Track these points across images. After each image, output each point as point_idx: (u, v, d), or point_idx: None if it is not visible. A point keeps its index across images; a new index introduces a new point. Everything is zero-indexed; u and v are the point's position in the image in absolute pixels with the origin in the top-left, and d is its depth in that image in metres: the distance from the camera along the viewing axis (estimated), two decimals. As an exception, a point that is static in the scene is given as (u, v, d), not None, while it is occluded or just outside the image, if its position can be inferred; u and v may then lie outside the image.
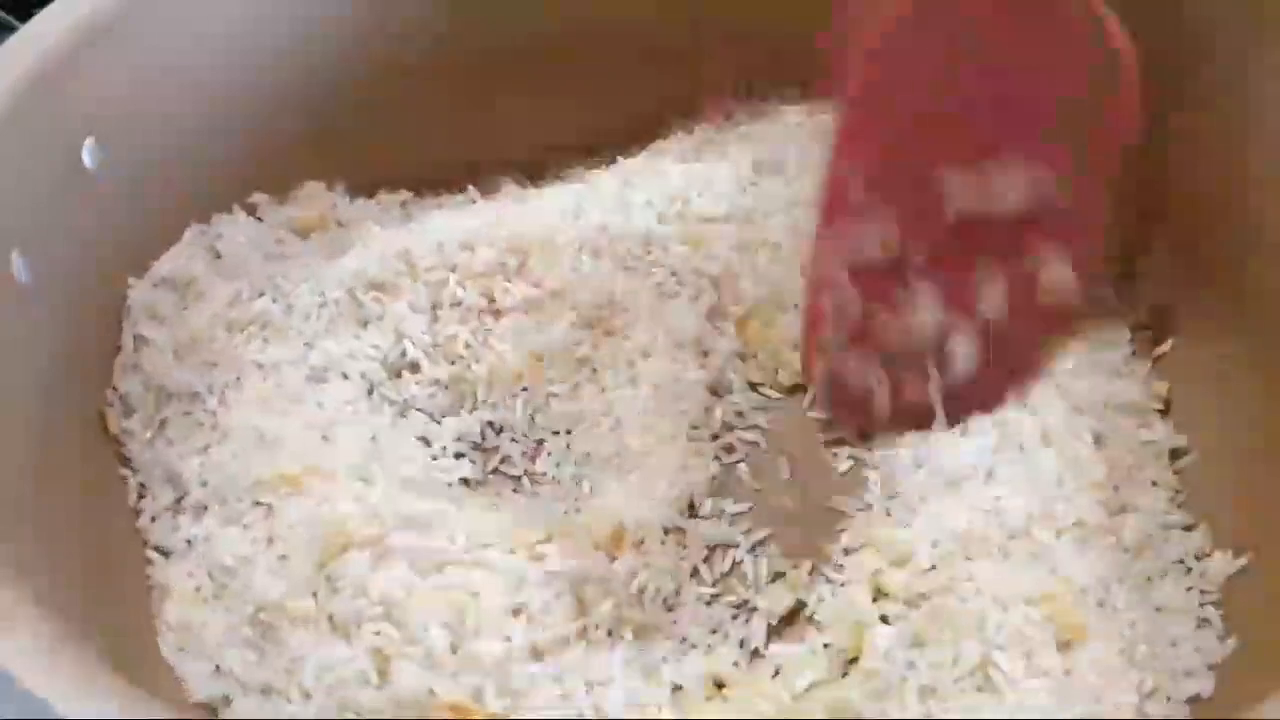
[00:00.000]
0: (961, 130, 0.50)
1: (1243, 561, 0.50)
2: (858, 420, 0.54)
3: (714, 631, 0.50)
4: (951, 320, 0.51)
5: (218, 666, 0.47)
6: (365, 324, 0.58)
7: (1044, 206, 0.49)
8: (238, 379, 0.55)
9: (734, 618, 0.51)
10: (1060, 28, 0.49)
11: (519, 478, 0.56)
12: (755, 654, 0.49)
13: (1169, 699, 0.46)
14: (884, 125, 0.51)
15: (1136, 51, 0.48)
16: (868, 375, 0.52)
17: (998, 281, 0.50)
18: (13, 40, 0.51)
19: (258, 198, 0.62)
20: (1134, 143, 0.49)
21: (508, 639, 0.46)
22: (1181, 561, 0.51)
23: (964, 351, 0.51)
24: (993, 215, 0.49)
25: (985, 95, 0.49)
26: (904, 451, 0.53)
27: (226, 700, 0.46)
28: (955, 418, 0.52)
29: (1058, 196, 0.49)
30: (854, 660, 0.48)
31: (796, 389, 0.58)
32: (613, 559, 0.50)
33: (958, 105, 0.50)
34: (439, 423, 0.57)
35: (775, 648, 0.49)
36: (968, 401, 0.51)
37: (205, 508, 0.51)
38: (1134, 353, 0.58)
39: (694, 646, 0.49)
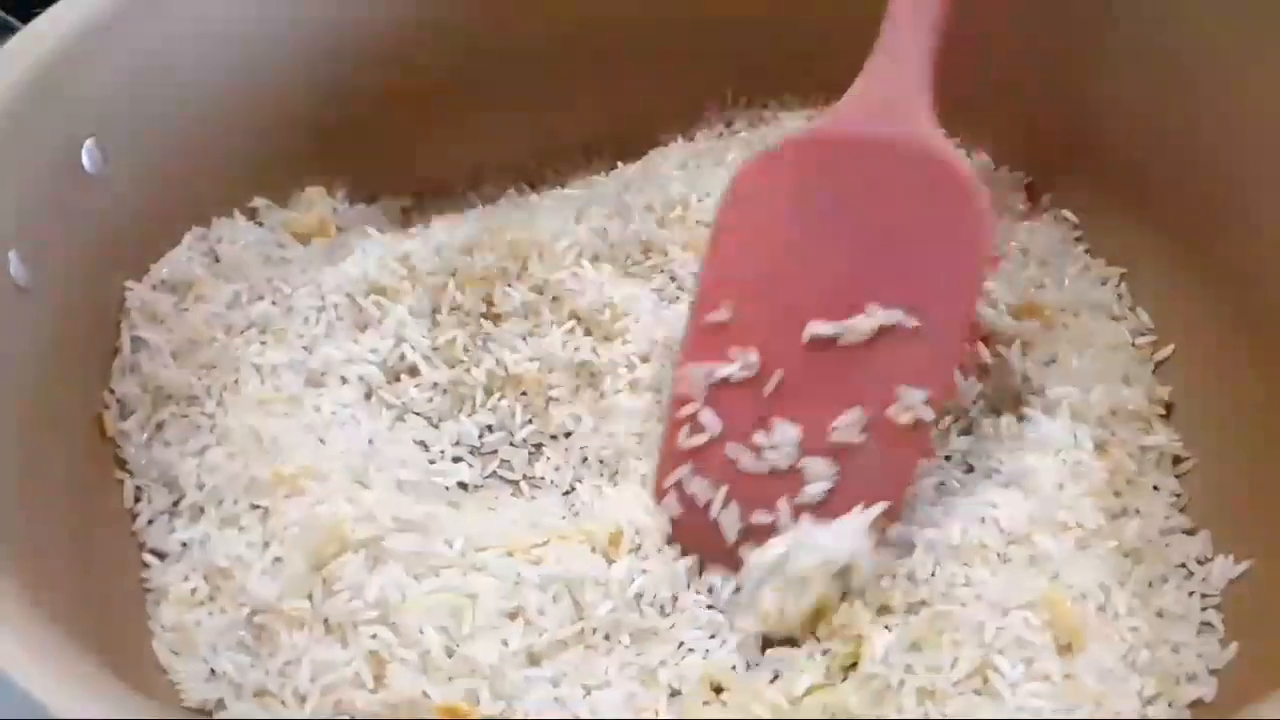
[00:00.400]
0: (822, 271, 0.51)
1: (1245, 566, 0.49)
2: (705, 545, 0.51)
3: (712, 636, 0.49)
4: (808, 443, 0.50)
5: (212, 669, 0.47)
6: (364, 328, 0.58)
7: (899, 337, 0.50)
8: (236, 381, 0.55)
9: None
10: (922, 180, 0.50)
11: (517, 482, 0.56)
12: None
13: (1170, 704, 0.45)
14: (746, 267, 0.52)
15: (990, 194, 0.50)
16: (715, 501, 0.51)
17: (854, 405, 0.50)
18: (13, 41, 0.51)
19: (258, 202, 0.62)
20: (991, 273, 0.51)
21: (504, 642, 0.46)
22: (1183, 566, 0.51)
23: (820, 474, 0.50)
24: (850, 346, 0.50)
25: (845, 240, 0.51)
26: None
27: (221, 703, 0.46)
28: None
29: (913, 330, 0.49)
30: (852, 666, 0.47)
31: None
32: (610, 563, 0.50)
33: (818, 249, 0.51)
34: (437, 426, 0.57)
35: (773, 652, 0.49)
36: (824, 519, 0.50)
37: (201, 510, 0.51)
38: (1135, 358, 0.58)
39: (691, 650, 0.49)
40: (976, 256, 0.50)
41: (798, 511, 0.50)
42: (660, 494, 0.52)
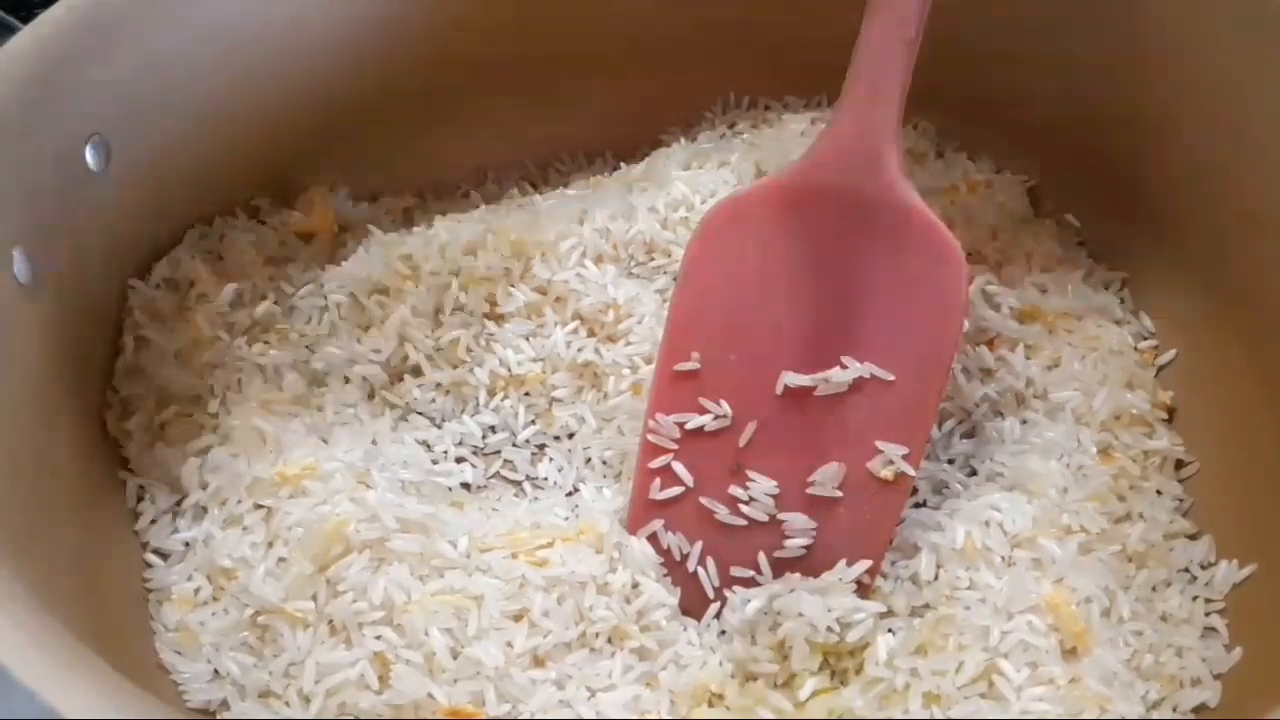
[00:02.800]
0: (799, 306, 0.50)
1: (1248, 570, 0.49)
2: (684, 591, 0.50)
3: (721, 633, 0.49)
4: (784, 496, 0.50)
5: (216, 670, 0.47)
6: (367, 328, 0.58)
7: (875, 391, 0.49)
8: (239, 381, 0.55)
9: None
10: (896, 233, 0.50)
11: (520, 482, 0.56)
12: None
13: (1175, 708, 0.46)
14: (715, 314, 0.51)
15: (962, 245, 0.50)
16: (691, 556, 0.50)
17: (830, 458, 0.49)
18: (15, 40, 0.50)
19: (260, 201, 0.62)
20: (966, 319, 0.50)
21: (509, 644, 0.46)
22: (1186, 570, 0.51)
23: (800, 529, 0.49)
24: (825, 398, 0.50)
25: (817, 290, 0.50)
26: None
27: (224, 704, 0.46)
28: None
29: (889, 383, 0.49)
30: (858, 672, 0.47)
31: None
32: (615, 565, 0.50)
33: (790, 297, 0.50)
34: (440, 427, 0.57)
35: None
36: (808, 572, 0.49)
37: (204, 510, 0.51)
38: (1138, 362, 0.58)
39: (695, 651, 0.49)
40: (953, 311, 0.49)
41: (777, 567, 0.49)
42: (633, 533, 0.51)
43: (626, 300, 0.58)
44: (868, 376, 0.49)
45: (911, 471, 0.49)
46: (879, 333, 0.50)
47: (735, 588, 0.49)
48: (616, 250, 0.60)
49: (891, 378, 0.49)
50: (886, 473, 0.49)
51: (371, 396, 0.57)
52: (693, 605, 0.50)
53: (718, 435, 0.51)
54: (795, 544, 0.49)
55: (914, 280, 0.50)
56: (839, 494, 0.49)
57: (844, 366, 0.49)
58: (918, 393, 0.49)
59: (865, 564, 0.49)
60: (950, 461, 0.54)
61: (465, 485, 0.55)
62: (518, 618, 0.47)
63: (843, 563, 0.49)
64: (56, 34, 0.51)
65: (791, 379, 0.50)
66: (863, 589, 0.49)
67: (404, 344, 0.57)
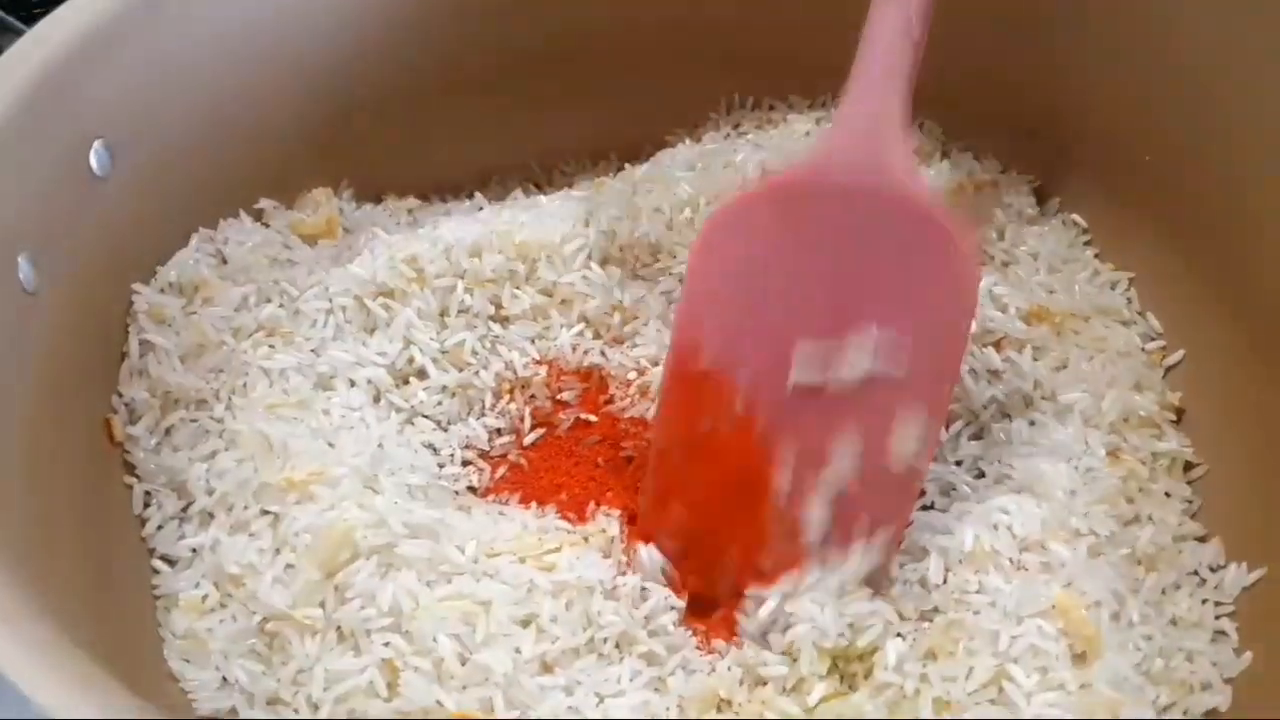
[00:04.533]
0: (807, 304, 0.50)
1: (1258, 573, 0.49)
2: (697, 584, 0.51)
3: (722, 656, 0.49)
4: (801, 486, 0.49)
5: (224, 677, 0.47)
6: (372, 330, 0.58)
7: (885, 388, 0.49)
8: (244, 385, 0.54)
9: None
10: (905, 230, 0.49)
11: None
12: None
13: (1185, 712, 0.46)
14: (724, 314, 0.51)
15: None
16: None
17: (841, 455, 0.49)
18: (19, 44, 0.50)
19: (264, 203, 0.62)
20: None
21: (517, 650, 0.46)
22: (1196, 574, 0.51)
23: (816, 517, 0.49)
24: (835, 395, 0.49)
25: (826, 288, 0.49)
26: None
27: (233, 711, 0.46)
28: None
29: (899, 380, 0.48)
30: (867, 677, 0.47)
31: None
32: (623, 569, 0.50)
33: (798, 297, 0.50)
34: (446, 430, 0.57)
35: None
36: (824, 562, 0.49)
37: (211, 515, 0.51)
38: (1145, 363, 0.58)
39: (704, 657, 0.49)
40: (963, 309, 0.49)
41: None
42: (648, 536, 0.51)
43: (632, 302, 0.58)
44: (878, 374, 0.49)
45: (925, 468, 0.49)
46: (890, 330, 0.49)
47: (745, 591, 0.49)
48: (621, 252, 0.60)
49: (901, 375, 0.49)
50: (899, 469, 0.49)
51: (377, 400, 0.56)
52: (700, 610, 0.50)
53: (728, 434, 0.51)
54: (813, 531, 0.49)
55: (923, 276, 0.49)
56: (849, 491, 0.49)
57: (853, 361, 0.49)
58: (928, 391, 0.49)
59: (875, 563, 0.48)
60: (958, 463, 0.54)
61: (472, 489, 0.55)
62: (526, 623, 0.47)
63: (862, 541, 0.49)
64: (59, 38, 0.51)
65: (802, 375, 0.50)
66: (876, 585, 0.49)
67: (409, 347, 0.57)
